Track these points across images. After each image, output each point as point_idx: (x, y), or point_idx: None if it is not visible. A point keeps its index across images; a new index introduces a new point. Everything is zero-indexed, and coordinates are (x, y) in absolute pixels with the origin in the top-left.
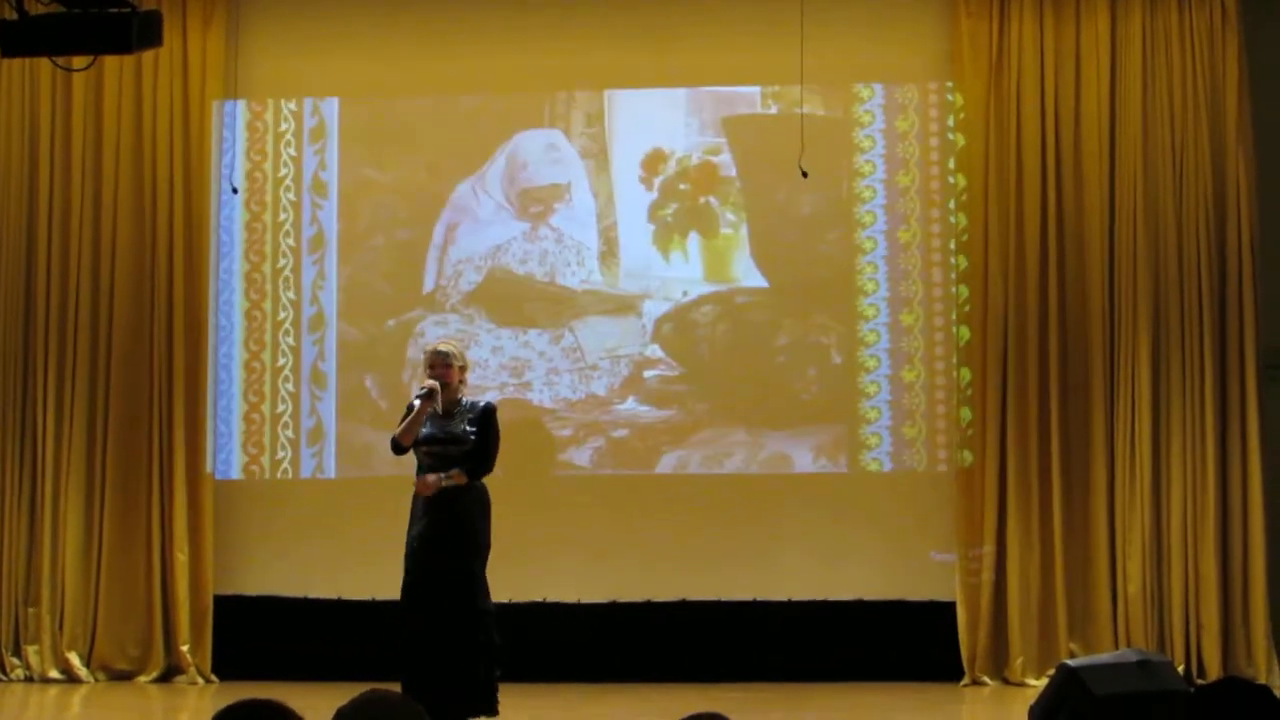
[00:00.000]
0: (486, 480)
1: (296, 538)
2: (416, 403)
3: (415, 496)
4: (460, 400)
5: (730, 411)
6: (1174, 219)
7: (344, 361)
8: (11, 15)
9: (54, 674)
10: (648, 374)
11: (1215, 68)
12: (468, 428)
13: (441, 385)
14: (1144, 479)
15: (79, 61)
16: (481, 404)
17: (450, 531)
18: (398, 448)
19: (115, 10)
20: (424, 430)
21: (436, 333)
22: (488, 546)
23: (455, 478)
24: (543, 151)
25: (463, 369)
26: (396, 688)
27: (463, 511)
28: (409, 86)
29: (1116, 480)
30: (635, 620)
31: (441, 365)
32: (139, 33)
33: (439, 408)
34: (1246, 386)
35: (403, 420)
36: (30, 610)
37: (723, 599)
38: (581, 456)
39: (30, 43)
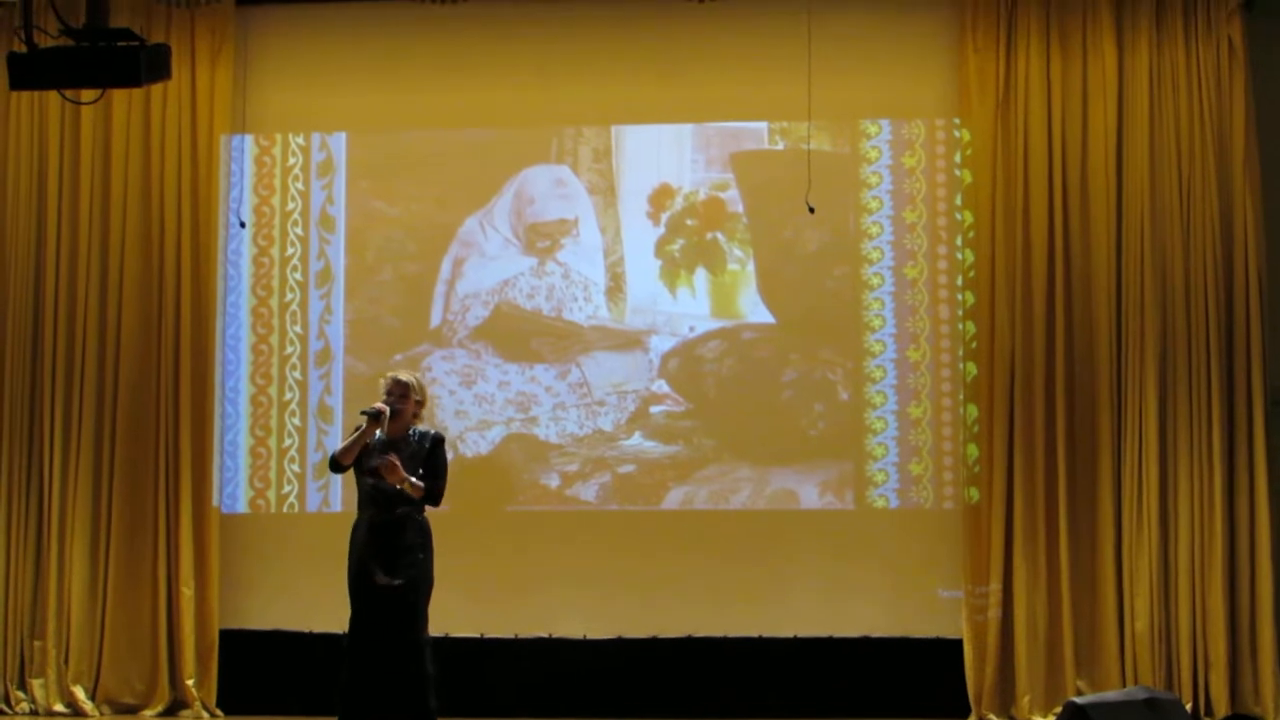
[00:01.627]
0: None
1: (302, 572)
2: (364, 421)
3: (355, 526)
4: (410, 431)
5: (737, 447)
6: (1181, 255)
7: (350, 396)
8: (21, 48)
9: (59, 708)
10: (654, 409)
11: (1222, 104)
12: (413, 463)
13: (392, 413)
14: (1151, 516)
15: (88, 95)
16: (431, 435)
17: (393, 566)
18: (336, 466)
19: (124, 44)
20: (371, 461)
21: (444, 367)
22: (430, 580)
23: (414, 489)
24: (550, 186)
25: (419, 403)
26: None
27: (405, 545)
28: (417, 121)
29: (1124, 517)
30: (641, 656)
31: (398, 394)
32: (147, 66)
33: (384, 433)
34: (1254, 422)
35: (346, 438)
36: (36, 643)
37: (728, 635)
38: (588, 492)
39: (39, 76)
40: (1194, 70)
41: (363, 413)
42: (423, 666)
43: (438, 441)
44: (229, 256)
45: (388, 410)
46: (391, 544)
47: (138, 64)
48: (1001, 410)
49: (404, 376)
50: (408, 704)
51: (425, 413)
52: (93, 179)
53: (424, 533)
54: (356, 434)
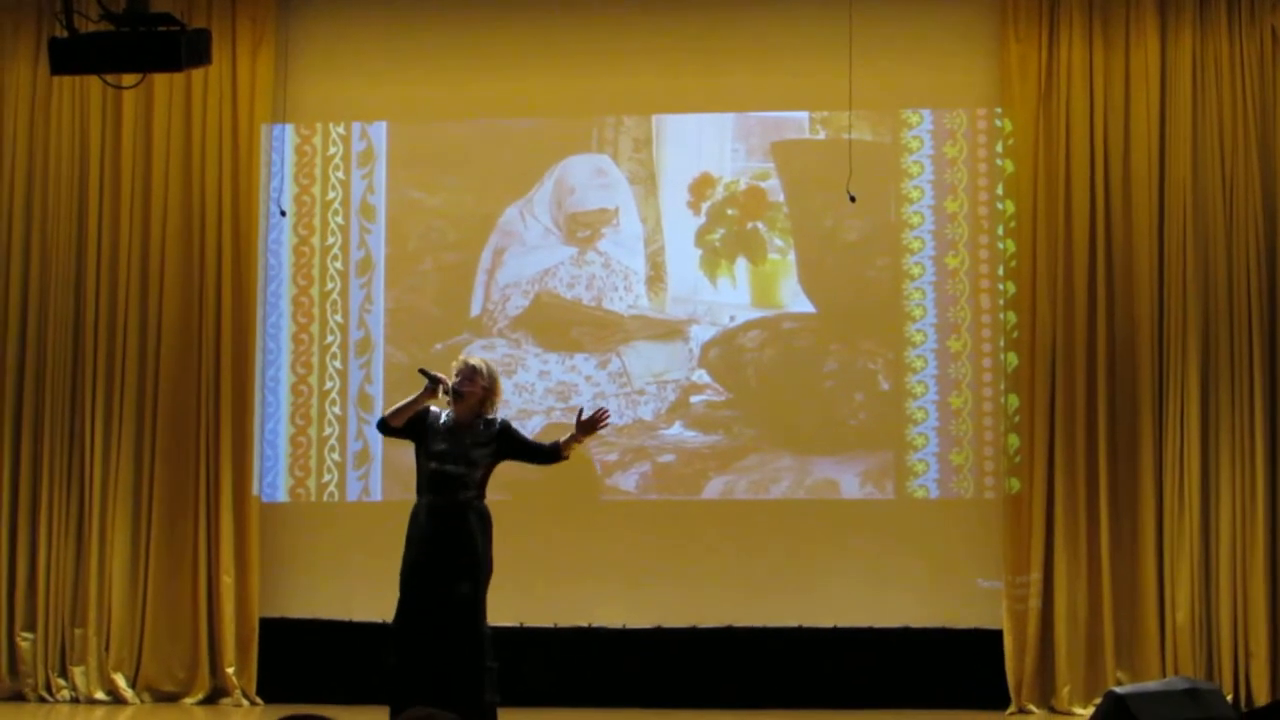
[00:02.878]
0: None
1: (342, 560)
2: (435, 410)
3: (414, 512)
4: (478, 419)
5: (777, 437)
6: (1224, 244)
7: (391, 385)
8: (62, 33)
9: (100, 695)
10: (694, 399)
11: (1265, 93)
12: (476, 451)
13: (456, 395)
14: (1193, 506)
15: (129, 79)
16: (499, 421)
17: (453, 553)
18: (384, 426)
19: (164, 29)
20: (436, 445)
21: (484, 356)
22: (490, 569)
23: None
24: (591, 176)
25: (488, 390)
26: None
27: (467, 532)
28: (457, 110)
29: (1165, 507)
30: (681, 646)
31: (465, 375)
32: (188, 51)
33: (452, 416)
34: None
35: (421, 418)
36: (77, 631)
37: (769, 625)
38: (628, 482)
39: (80, 61)
40: (1237, 60)
41: (421, 370)
42: (482, 659)
43: (507, 424)
44: (269, 246)
45: (447, 381)
46: (453, 530)
47: (178, 48)
48: (1042, 400)
49: (473, 361)
50: (465, 697)
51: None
52: (134, 168)
53: (485, 520)
54: (412, 398)
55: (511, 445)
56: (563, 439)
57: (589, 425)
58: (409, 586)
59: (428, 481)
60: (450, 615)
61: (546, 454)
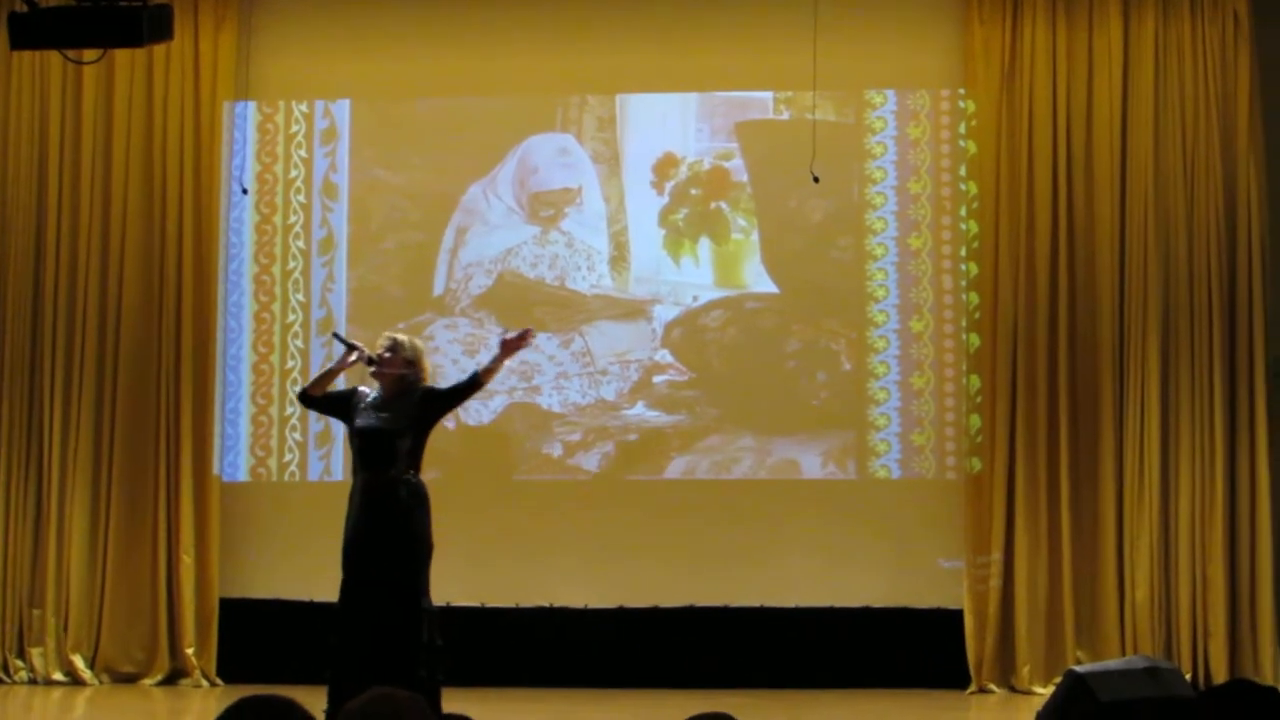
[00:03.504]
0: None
1: (303, 540)
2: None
3: (351, 493)
4: (402, 394)
5: (739, 417)
6: (1184, 226)
7: (353, 365)
8: (22, 8)
9: (58, 676)
10: (657, 379)
11: (1227, 76)
12: (401, 421)
13: (376, 363)
14: (1152, 486)
15: (89, 55)
16: (419, 392)
17: (387, 530)
18: (304, 397)
19: (126, 3)
20: (359, 421)
21: (446, 336)
22: (429, 544)
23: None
24: (554, 155)
25: (411, 364)
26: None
27: (400, 509)
28: (420, 89)
29: (1125, 487)
30: (643, 625)
31: (386, 346)
32: (150, 26)
33: (381, 391)
34: (1256, 394)
35: (347, 396)
36: (35, 612)
37: (730, 605)
38: (590, 461)
39: (40, 35)
40: (1199, 43)
41: (334, 334)
42: (418, 636)
43: (428, 388)
44: (231, 224)
45: (364, 349)
46: (385, 507)
47: (140, 24)
48: (1004, 381)
49: (397, 335)
50: (400, 675)
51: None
52: (94, 146)
53: (417, 494)
54: (329, 366)
55: (436, 402)
56: (483, 364)
57: (513, 345)
58: (346, 566)
59: (358, 457)
60: (387, 593)
61: (468, 385)
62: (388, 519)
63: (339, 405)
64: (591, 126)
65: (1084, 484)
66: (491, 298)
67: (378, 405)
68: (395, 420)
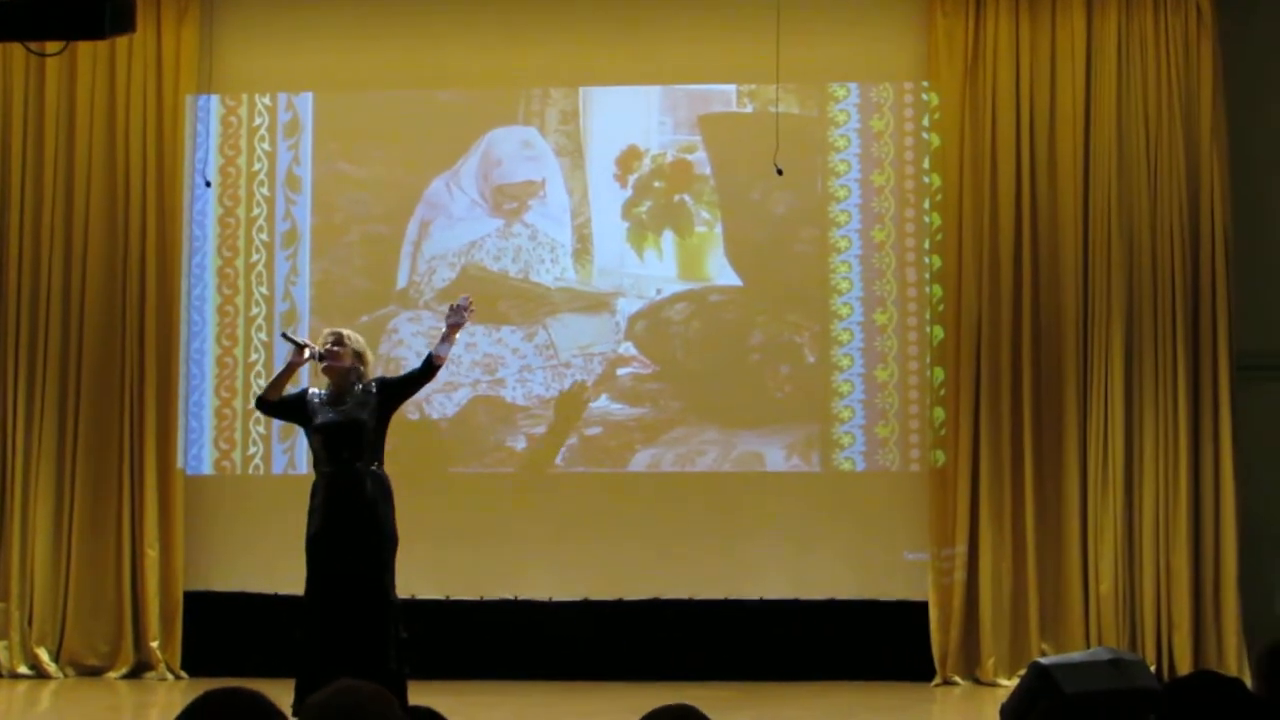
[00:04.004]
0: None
1: (268, 533)
2: (312, 391)
3: (313, 489)
4: (354, 386)
5: (703, 410)
6: (1148, 220)
7: (305, 363)
8: None
9: (23, 669)
10: (621, 372)
11: (1190, 69)
12: (360, 412)
13: (326, 357)
14: (1116, 479)
15: (52, 47)
16: (374, 383)
17: (354, 524)
18: (262, 404)
19: None
20: (319, 418)
21: (410, 329)
22: (395, 538)
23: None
24: (517, 148)
25: (358, 355)
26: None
27: (366, 501)
28: (383, 82)
29: (1089, 480)
30: (607, 618)
31: (333, 340)
32: (112, 18)
33: (330, 387)
34: (1219, 386)
35: (297, 402)
36: (0, 605)
37: (695, 598)
38: (554, 454)
39: (2, 27)
40: (1162, 35)
41: (283, 334)
42: (386, 629)
43: (382, 378)
44: (194, 217)
45: (313, 345)
46: (352, 500)
47: (102, 16)
48: (968, 373)
49: (340, 329)
50: (370, 667)
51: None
52: (57, 139)
53: (383, 486)
54: (282, 368)
55: (392, 390)
56: (432, 348)
57: (454, 318)
58: (313, 560)
59: (323, 455)
60: (354, 586)
61: (423, 371)
62: (355, 512)
63: (295, 408)
64: (554, 119)
65: (1048, 476)
66: (455, 290)
67: (332, 400)
68: (355, 412)
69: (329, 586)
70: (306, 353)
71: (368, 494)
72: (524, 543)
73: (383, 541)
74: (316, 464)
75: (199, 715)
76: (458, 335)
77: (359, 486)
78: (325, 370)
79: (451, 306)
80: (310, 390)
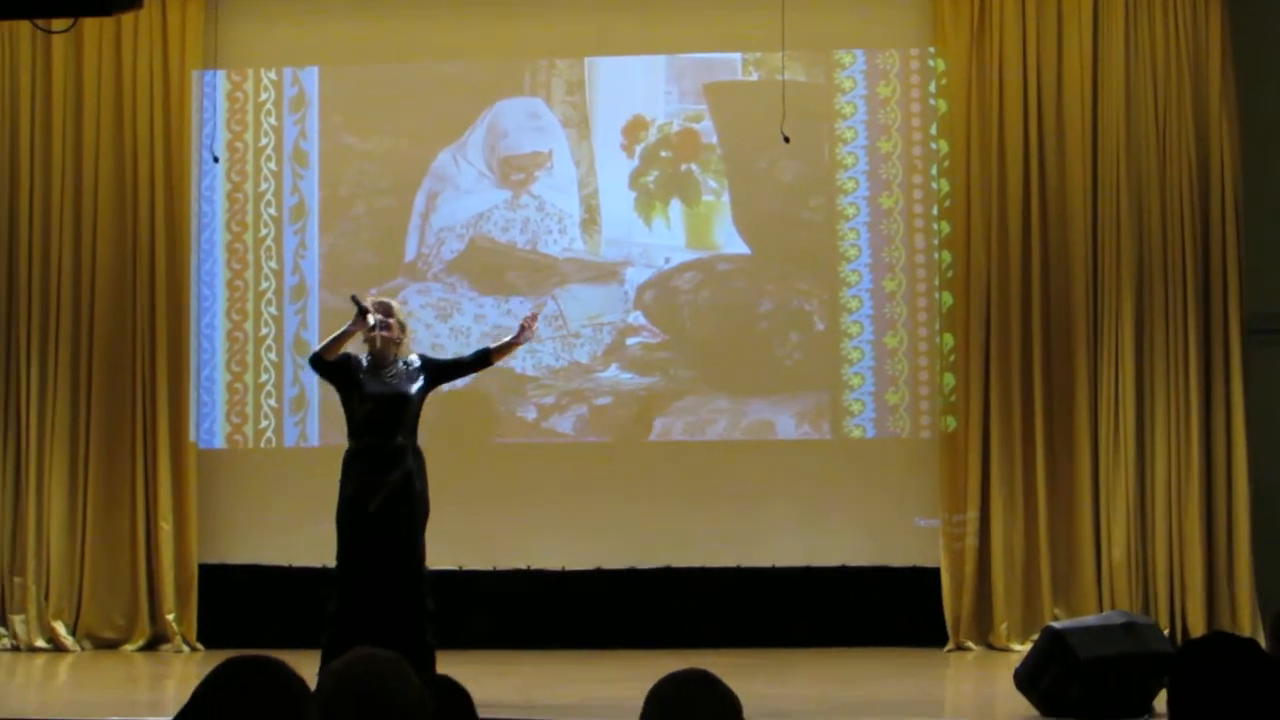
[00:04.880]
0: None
1: (280, 506)
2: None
3: (348, 456)
4: (397, 360)
5: (713, 378)
6: (1157, 183)
7: (326, 330)
8: None
9: (40, 643)
10: (630, 341)
11: (1198, 31)
12: (409, 386)
13: (382, 329)
14: (1128, 443)
15: (59, 24)
16: (416, 361)
17: (393, 495)
18: (318, 361)
19: None
20: (370, 387)
21: (419, 301)
22: (427, 509)
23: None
24: (524, 119)
25: (402, 326)
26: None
27: (405, 473)
28: (389, 55)
29: (1100, 444)
30: (619, 587)
31: (385, 311)
32: None
33: (370, 357)
34: (1230, 349)
35: (344, 365)
36: (16, 580)
37: (706, 566)
38: (564, 424)
39: (8, 5)
40: None
41: (353, 297)
42: (421, 600)
43: (425, 356)
44: (203, 193)
45: (373, 316)
46: (390, 471)
47: None
48: (977, 339)
49: (386, 299)
50: (405, 637)
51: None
52: (65, 116)
53: (421, 460)
54: (343, 329)
55: (441, 371)
56: (494, 344)
57: (528, 334)
58: (348, 531)
59: (364, 424)
60: (392, 558)
61: (474, 361)
62: (396, 484)
63: (342, 370)
64: (560, 90)
65: (1059, 441)
66: (463, 262)
67: (374, 369)
68: (403, 385)
69: (365, 559)
70: (371, 320)
71: (408, 466)
72: (536, 512)
73: (418, 514)
74: (354, 433)
75: (220, 684)
76: (517, 350)
77: (400, 459)
78: (376, 339)
79: (527, 323)
80: (354, 356)
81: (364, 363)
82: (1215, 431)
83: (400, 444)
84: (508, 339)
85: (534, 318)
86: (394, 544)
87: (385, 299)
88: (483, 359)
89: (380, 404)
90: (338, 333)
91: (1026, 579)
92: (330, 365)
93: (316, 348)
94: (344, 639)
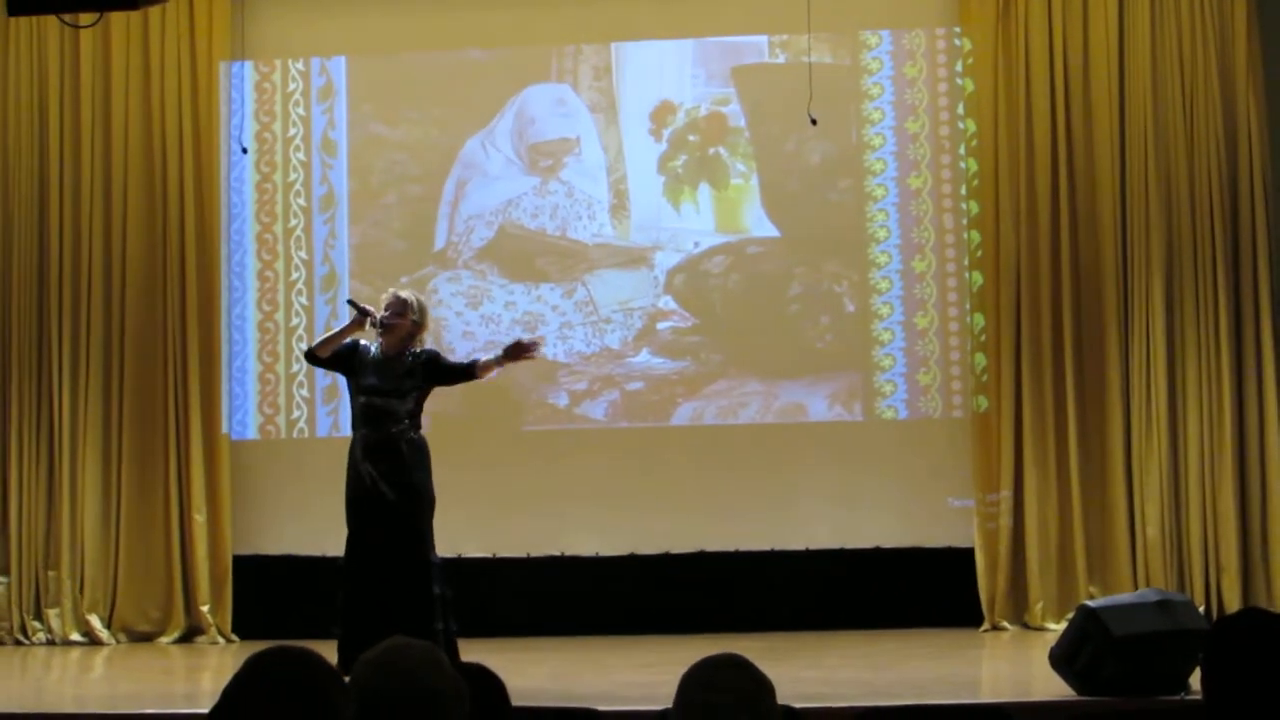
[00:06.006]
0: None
1: (314, 496)
2: (364, 344)
3: (351, 447)
4: (405, 352)
5: (744, 362)
6: (1185, 159)
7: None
8: None
9: (76, 636)
10: (661, 326)
11: (1224, 5)
12: (405, 382)
13: (384, 326)
14: (1160, 420)
15: (86, 18)
16: (426, 352)
17: (389, 486)
18: (311, 357)
19: None
20: (366, 379)
21: (449, 289)
22: (431, 498)
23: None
24: (551, 105)
25: (417, 324)
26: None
27: (400, 464)
28: (416, 42)
29: (1133, 422)
30: (654, 572)
31: (395, 309)
32: None
33: (380, 350)
34: (1261, 325)
35: (351, 354)
36: (50, 574)
37: (740, 549)
38: (596, 410)
39: (36, 1)
40: None
41: (349, 302)
42: (429, 587)
43: (433, 353)
44: (232, 184)
45: (375, 313)
46: (387, 463)
47: None
48: (1008, 318)
49: (403, 294)
50: (414, 627)
51: (430, 338)
52: (93, 110)
53: (418, 450)
54: (339, 328)
55: (439, 374)
56: (482, 358)
57: (516, 352)
58: (351, 522)
59: (360, 415)
60: (393, 547)
61: (462, 373)
62: (389, 474)
63: (343, 359)
64: (588, 76)
65: (1091, 419)
66: (493, 250)
67: (380, 363)
68: (401, 381)
69: (365, 550)
70: (369, 322)
71: (404, 458)
72: (569, 499)
73: (418, 506)
74: (355, 424)
75: (254, 676)
76: (509, 365)
77: (395, 452)
78: (381, 335)
79: (529, 340)
80: (362, 344)
81: (373, 351)
82: (1248, 406)
83: (394, 434)
84: (497, 354)
85: (534, 344)
86: (396, 535)
87: (401, 293)
88: (470, 371)
89: (374, 397)
90: (332, 331)
91: (1061, 558)
92: (324, 361)
93: (313, 343)
94: (353, 630)
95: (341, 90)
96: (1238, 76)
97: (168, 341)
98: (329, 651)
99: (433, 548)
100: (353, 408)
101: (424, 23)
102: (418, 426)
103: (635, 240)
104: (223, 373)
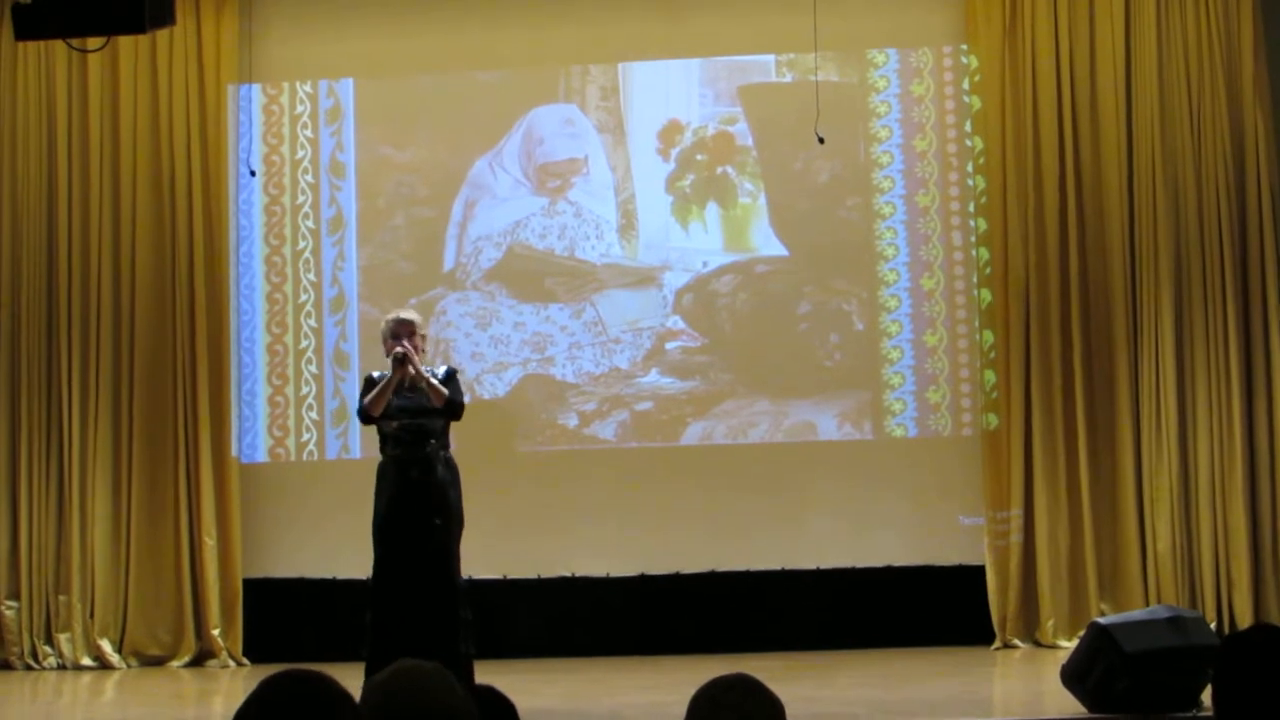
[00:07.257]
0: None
1: (324, 519)
2: (377, 375)
3: (382, 470)
4: (422, 368)
5: (753, 381)
6: (1193, 174)
7: (366, 342)
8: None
9: (86, 661)
10: (670, 346)
11: (1230, 19)
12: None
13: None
14: (1170, 436)
15: (94, 43)
16: (444, 368)
17: (426, 506)
18: (366, 417)
19: None
20: (393, 402)
21: (458, 310)
22: (461, 520)
23: (433, 389)
24: (559, 126)
25: (424, 337)
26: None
27: (438, 484)
28: (423, 64)
29: (1143, 438)
30: (664, 592)
31: (408, 333)
32: (151, 11)
33: (416, 370)
34: (1271, 340)
35: (367, 391)
36: (61, 598)
37: (751, 569)
38: (606, 430)
39: (44, 26)
40: None
41: (397, 354)
42: (456, 610)
43: (451, 372)
44: (240, 206)
45: (411, 350)
46: (424, 483)
47: (141, 9)
48: (1017, 335)
49: (405, 314)
50: (441, 649)
51: (440, 355)
52: (102, 133)
53: (453, 470)
54: (385, 381)
55: (453, 390)
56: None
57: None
58: (383, 543)
59: (394, 439)
60: (425, 568)
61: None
62: (427, 495)
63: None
64: (595, 96)
65: (1101, 436)
66: (502, 270)
67: (402, 383)
68: (428, 398)
69: (399, 569)
70: (410, 368)
71: (439, 477)
72: (579, 520)
73: (452, 525)
74: (385, 446)
75: (266, 699)
76: (415, 381)
77: (431, 470)
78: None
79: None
80: (373, 375)
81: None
82: (1258, 422)
83: (429, 454)
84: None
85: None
86: (428, 555)
87: (404, 315)
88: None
89: (409, 417)
90: (381, 387)
91: (1072, 575)
92: (378, 417)
93: (364, 402)
94: (382, 650)
95: (349, 112)
96: (1244, 91)
97: (177, 365)
98: (341, 674)
99: (459, 570)
100: (381, 432)
101: (431, 44)
102: (449, 445)
103: (643, 260)
104: (232, 396)
